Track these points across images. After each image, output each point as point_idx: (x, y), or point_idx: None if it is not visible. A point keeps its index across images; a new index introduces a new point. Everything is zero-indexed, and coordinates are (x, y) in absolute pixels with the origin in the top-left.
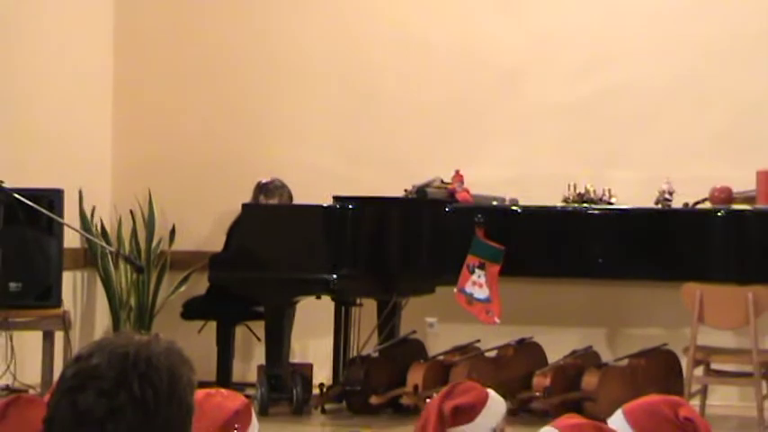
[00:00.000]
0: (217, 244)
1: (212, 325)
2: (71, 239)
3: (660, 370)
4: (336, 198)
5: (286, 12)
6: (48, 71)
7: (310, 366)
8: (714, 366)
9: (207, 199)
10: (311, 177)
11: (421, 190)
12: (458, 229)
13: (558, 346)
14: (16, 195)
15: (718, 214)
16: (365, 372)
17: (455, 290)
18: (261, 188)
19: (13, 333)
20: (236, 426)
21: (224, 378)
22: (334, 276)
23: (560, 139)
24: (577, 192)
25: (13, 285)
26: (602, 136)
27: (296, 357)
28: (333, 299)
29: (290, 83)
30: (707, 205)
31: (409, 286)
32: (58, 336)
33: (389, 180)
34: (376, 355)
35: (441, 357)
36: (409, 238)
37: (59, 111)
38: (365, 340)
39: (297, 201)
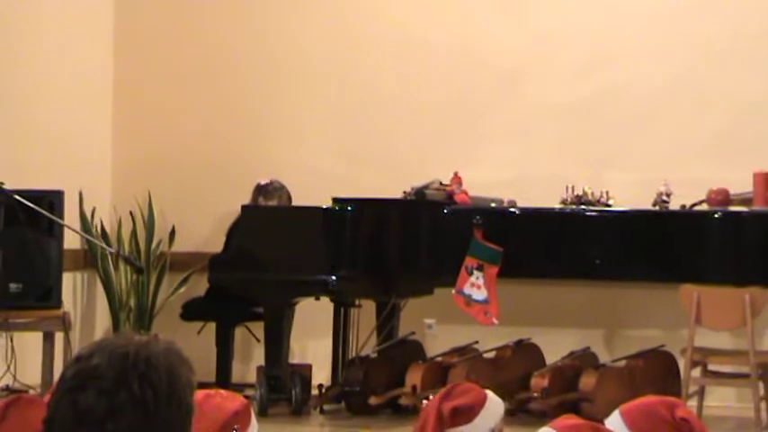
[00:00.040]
0: (216, 245)
1: (212, 326)
2: (71, 240)
3: (657, 371)
4: (335, 199)
5: (286, 12)
6: (48, 71)
7: (309, 367)
8: (711, 367)
9: (207, 200)
10: (310, 178)
11: (420, 192)
12: (456, 231)
13: (555, 347)
14: (17, 197)
15: (715, 216)
16: (364, 372)
17: (453, 291)
18: (260, 190)
19: (13, 334)
20: (235, 426)
21: (223, 379)
22: (334, 278)
23: (559, 140)
24: (575, 194)
25: (13, 286)
26: (600, 137)
27: (295, 358)
28: (332, 300)
29: (290, 83)
30: (704, 207)
31: (408, 287)
32: (59, 336)
33: (388, 181)
34: (375, 355)
35: (439, 358)
36: (408, 240)
37: (59, 111)
38: (364, 341)
39: (296, 202)
